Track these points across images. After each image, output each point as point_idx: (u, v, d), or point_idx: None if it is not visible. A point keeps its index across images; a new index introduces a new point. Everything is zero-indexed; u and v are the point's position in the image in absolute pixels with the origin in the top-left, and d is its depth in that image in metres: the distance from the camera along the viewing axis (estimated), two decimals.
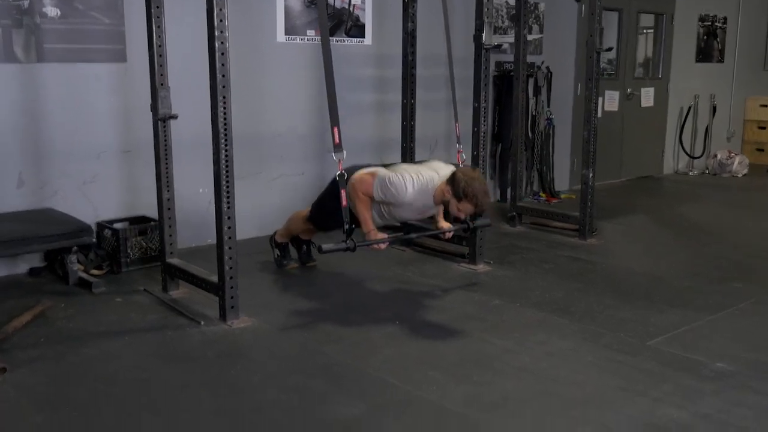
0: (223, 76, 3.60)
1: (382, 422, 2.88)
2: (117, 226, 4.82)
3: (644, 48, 8.94)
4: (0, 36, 4.40)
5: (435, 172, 4.17)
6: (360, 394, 3.08)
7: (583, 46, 5.53)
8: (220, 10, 3.53)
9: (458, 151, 4.49)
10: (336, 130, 3.70)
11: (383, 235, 4.14)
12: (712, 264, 5.18)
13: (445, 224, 4.43)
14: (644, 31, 8.93)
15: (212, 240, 3.94)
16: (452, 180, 4.03)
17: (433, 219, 4.48)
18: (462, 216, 4.18)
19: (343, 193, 3.76)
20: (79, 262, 4.56)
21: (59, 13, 4.59)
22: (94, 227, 4.74)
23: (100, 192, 4.94)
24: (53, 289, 4.39)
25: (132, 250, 4.78)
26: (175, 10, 4.76)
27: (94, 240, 4.55)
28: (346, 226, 3.77)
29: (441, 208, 4.40)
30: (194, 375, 3.27)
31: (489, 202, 4.12)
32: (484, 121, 4.80)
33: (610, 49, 5.64)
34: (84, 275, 4.50)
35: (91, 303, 4.18)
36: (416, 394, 3.08)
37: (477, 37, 4.67)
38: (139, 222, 4.95)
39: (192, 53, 4.57)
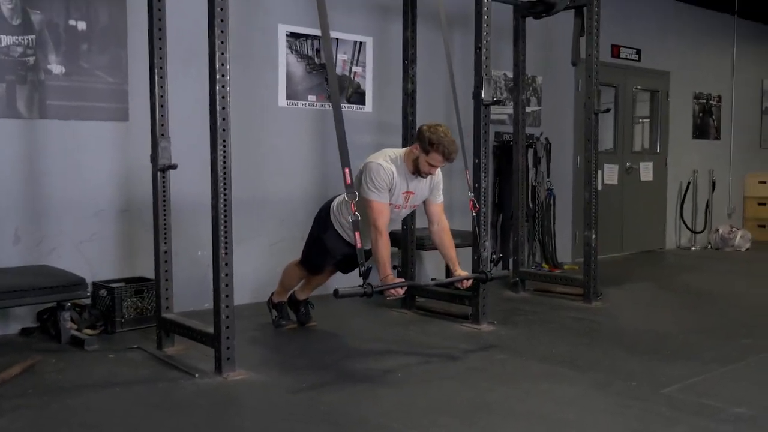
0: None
1: None
2: (113, 285, 4.72)
3: (641, 131, 9.09)
4: (4, 91, 4.45)
5: (391, 149, 4.34)
6: None
7: (581, 120, 5.57)
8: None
9: (470, 200, 4.46)
10: (348, 170, 3.68)
11: (400, 280, 4.05)
12: (718, 323, 5.07)
13: (462, 272, 4.35)
14: (640, 120, 9.09)
15: (210, 304, 3.82)
16: (418, 134, 4.13)
17: (450, 266, 4.44)
18: (433, 171, 4.19)
19: (357, 235, 3.67)
20: (72, 320, 4.46)
21: (64, 70, 4.65)
22: (90, 287, 4.65)
23: (97, 251, 4.87)
24: (45, 347, 4.26)
25: (127, 310, 4.67)
26: (179, 70, 4.83)
27: (89, 293, 4.45)
28: (362, 269, 3.65)
29: (454, 255, 4.33)
30: (183, 421, 3.12)
31: (456, 151, 4.12)
32: (485, 177, 4.78)
33: (608, 111, 5.69)
34: (77, 333, 4.38)
35: (82, 359, 4.04)
36: None
37: (476, 94, 4.71)
38: (136, 283, 4.86)
39: (195, 118, 4.60)
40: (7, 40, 4.45)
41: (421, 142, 4.09)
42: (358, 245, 3.64)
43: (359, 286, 3.62)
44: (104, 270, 4.90)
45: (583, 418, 3.14)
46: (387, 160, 4.19)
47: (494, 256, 4.47)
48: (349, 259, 4.12)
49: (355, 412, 3.22)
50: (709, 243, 9.40)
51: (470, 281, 4.35)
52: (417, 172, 4.19)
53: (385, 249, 4.04)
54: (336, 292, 3.60)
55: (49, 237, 4.69)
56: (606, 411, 3.25)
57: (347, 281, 4.41)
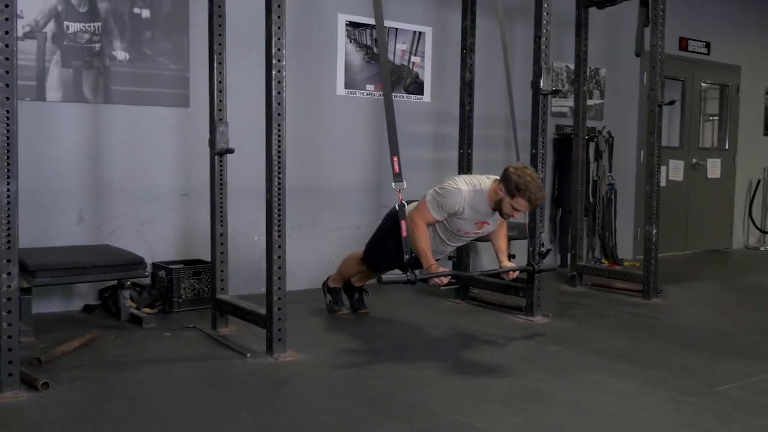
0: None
1: None
2: (171, 266, 4.83)
3: (709, 126, 8.82)
4: (71, 76, 4.59)
5: (485, 177, 4.17)
6: (405, 420, 2.93)
7: (646, 114, 5.43)
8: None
9: None
10: (396, 159, 3.68)
11: (445, 269, 4.03)
12: None
13: (509, 264, 4.31)
14: (710, 118, 8.83)
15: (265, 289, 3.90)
16: (504, 176, 3.99)
17: (497, 256, 4.40)
18: (516, 215, 4.09)
19: (403, 224, 3.69)
20: (131, 299, 4.58)
21: (128, 57, 4.78)
22: (149, 268, 4.77)
23: (157, 233, 4.99)
24: (105, 323, 4.39)
25: (185, 291, 4.77)
26: (240, 56, 4.91)
27: (148, 273, 4.56)
28: (407, 257, 3.67)
29: (504, 245, 4.29)
30: (233, 397, 3.17)
31: (543, 198, 4.03)
32: (542, 168, 4.71)
33: (672, 103, 5.53)
34: (136, 312, 4.50)
35: (139, 336, 4.15)
36: (465, 422, 2.91)
37: (535, 83, 4.65)
38: (194, 265, 4.96)
39: (256, 104, 4.66)
40: (74, 27, 4.59)
41: (507, 185, 3.96)
42: (404, 233, 3.65)
43: (403, 273, 3.63)
44: (163, 252, 5.02)
45: (634, 412, 3.07)
46: (470, 189, 4.07)
47: (542, 249, 4.40)
48: (412, 260, 4.08)
49: (401, 396, 3.22)
50: None
51: (516, 273, 4.29)
52: (498, 210, 4.09)
53: (424, 240, 4.04)
54: (379, 278, 3.64)
55: (111, 219, 4.83)
56: (659, 406, 3.16)
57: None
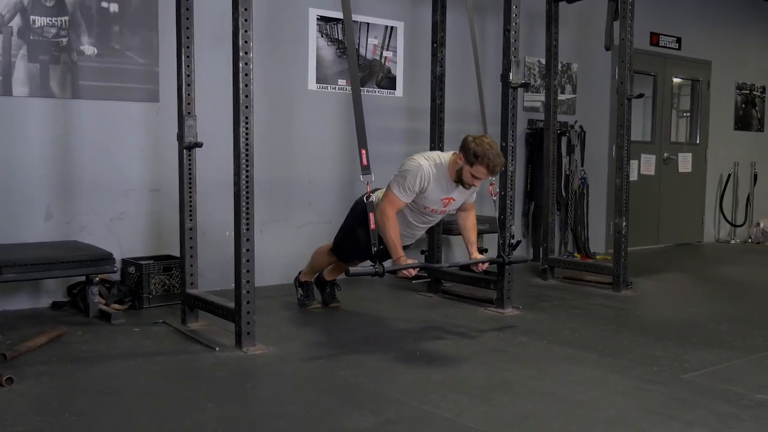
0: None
1: None
2: (141, 262, 4.80)
3: (680, 121, 8.92)
4: (38, 71, 4.54)
5: (443, 152, 4.28)
6: (372, 411, 2.93)
7: (617, 109, 5.48)
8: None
9: (491, 184, 4.41)
10: (364, 152, 3.69)
11: (413, 261, 4.05)
12: (751, 314, 4.94)
13: (479, 256, 4.33)
14: (684, 114, 8.93)
15: None
16: (462, 145, 4.04)
17: (467, 249, 4.43)
18: (476, 183, 4.13)
19: (371, 216, 3.70)
20: (100, 295, 4.55)
21: (96, 51, 4.73)
22: (119, 264, 4.74)
23: (126, 229, 4.96)
24: (73, 320, 4.35)
25: (155, 286, 4.74)
26: (210, 52, 4.89)
27: (117, 269, 4.52)
28: (375, 249, 3.68)
29: (473, 237, 4.33)
30: (201, 390, 3.16)
31: (502, 164, 4.07)
32: (512, 161, 4.74)
33: (641, 96, 5.57)
34: (104, 308, 4.47)
35: (108, 332, 4.12)
36: (433, 412, 2.92)
37: (504, 76, 4.67)
38: (164, 260, 4.93)
39: (226, 99, 4.65)
40: (41, 21, 4.54)
41: (466, 154, 4.01)
42: (372, 226, 3.66)
43: (371, 265, 3.64)
44: (133, 248, 4.98)
45: (600, 400, 3.10)
46: (430, 164, 4.12)
47: (512, 241, 4.44)
48: (381, 252, 4.09)
49: (370, 386, 3.23)
50: (750, 237, 9.20)
51: (486, 265, 4.31)
52: (460, 182, 4.13)
53: (393, 231, 4.06)
54: (347, 271, 3.64)
55: (80, 215, 4.78)
56: (624, 393, 3.20)
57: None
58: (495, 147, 4.03)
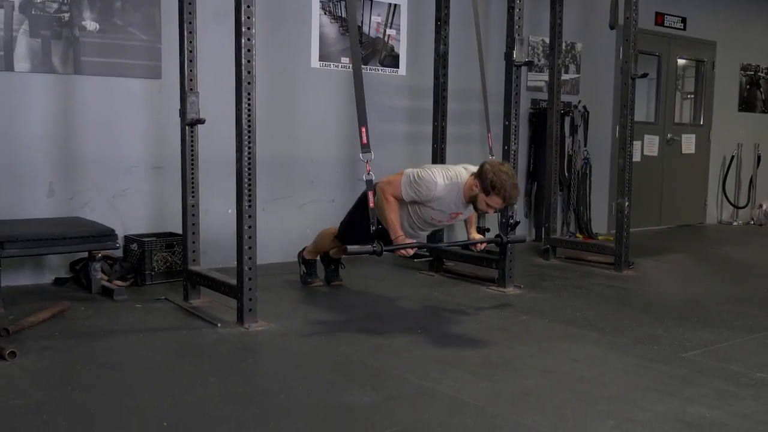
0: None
1: (393, 410, 2.72)
2: (143, 239, 4.80)
3: (684, 102, 8.88)
4: (39, 46, 4.53)
5: (463, 168, 4.14)
6: (374, 386, 2.95)
7: (621, 88, 5.45)
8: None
9: None
10: (364, 129, 3.67)
11: (411, 240, 4.04)
12: (752, 294, 4.95)
13: (477, 236, 4.33)
14: (688, 96, 8.89)
15: None
16: (480, 172, 3.97)
17: (466, 228, 4.41)
18: (491, 211, 4.10)
19: (371, 195, 3.69)
20: (103, 272, 4.56)
21: (98, 27, 4.71)
22: (121, 240, 4.75)
23: (129, 206, 4.96)
24: (76, 296, 4.37)
25: (157, 263, 4.75)
26: (212, 29, 4.87)
27: (119, 246, 4.53)
28: (373, 228, 3.68)
29: (473, 218, 4.33)
30: (203, 365, 3.18)
31: (517, 195, 4.02)
32: (515, 140, 4.73)
33: (645, 75, 5.54)
34: (107, 284, 4.48)
35: (110, 308, 4.14)
36: (434, 388, 2.93)
37: (508, 54, 4.64)
38: (166, 237, 4.94)
39: (230, 76, 4.63)
40: None
41: (482, 182, 3.94)
42: (371, 204, 3.66)
43: (368, 244, 3.64)
44: (136, 225, 4.99)
45: (599, 377, 3.11)
46: (447, 184, 4.05)
47: (512, 221, 4.43)
48: (379, 231, 4.08)
49: (370, 363, 3.24)
50: (752, 219, 9.19)
51: (484, 245, 4.31)
52: (473, 205, 4.09)
53: (393, 212, 4.07)
54: (345, 249, 3.65)
55: (83, 191, 4.78)
56: (624, 371, 3.21)
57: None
58: (513, 177, 3.96)
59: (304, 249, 4.90)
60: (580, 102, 7.26)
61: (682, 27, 8.32)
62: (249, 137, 3.66)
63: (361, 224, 4.24)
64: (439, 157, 5.39)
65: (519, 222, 4.39)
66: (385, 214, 4.04)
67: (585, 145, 7.25)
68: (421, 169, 4.12)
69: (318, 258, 4.88)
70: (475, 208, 4.12)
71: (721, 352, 3.52)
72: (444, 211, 4.17)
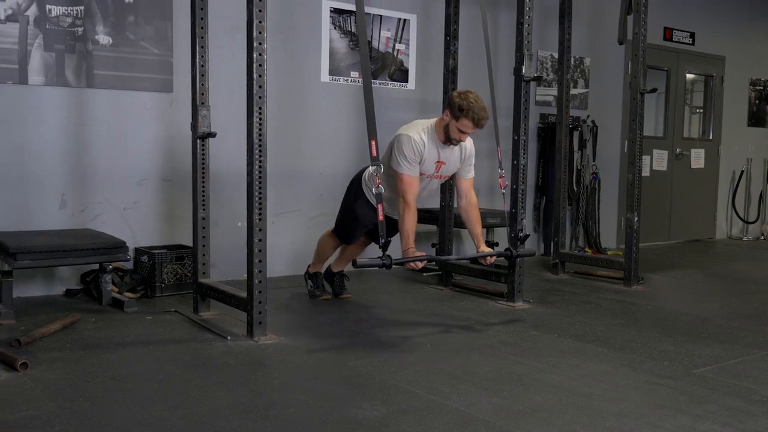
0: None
1: (402, 424, 2.72)
2: (154, 251, 4.83)
3: (693, 117, 8.88)
4: (53, 60, 4.57)
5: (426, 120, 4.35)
6: (383, 400, 2.95)
7: (630, 103, 5.47)
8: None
9: (500, 176, 4.41)
10: (373, 143, 3.70)
11: (421, 253, 4.06)
12: (764, 308, 4.94)
13: (486, 249, 4.34)
14: (697, 110, 8.89)
15: None
16: (448, 101, 4.16)
17: (474, 242, 4.44)
18: (464, 138, 4.21)
19: (380, 207, 3.70)
20: (114, 283, 4.59)
21: (111, 41, 4.76)
22: (132, 252, 4.77)
23: (140, 218, 4.99)
24: (86, 307, 4.40)
25: (167, 275, 4.78)
26: (225, 44, 4.91)
27: (130, 258, 4.55)
28: (382, 241, 3.69)
29: (480, 231, 4.34)
30: (212, 377, 3.19)
31: (487, 117, 4.12)
32: (524, 155, 4.74)
33: (654, 90, 5.55)
34: (117, 296, 4.50)
35: (121, 319, 4.16)
36: (443, 403, 2.93)
37: (517, 69, 4.66)
38: (176, 250, 4.96)
39: (241, 90, 4.67)
40: (57, 10, 4.57)
41: (452, 109, 4.12)
42: (381, 217, 3.67)
43: (378, 257, 3.65)
44: (146, 237, 5.02)
45: (609, 393, 3.11)
46: (418, 131, 4.22)
47: (521, 235, 4.44)
48: (373, 237, 4.14)
49: (379, 377, 3.25)
50: (762, 234, 9.16)
51: (494, 258, 4.32)
52: (448, 140, 4.22)
53: (411, 222, 4.08)
54: (354, 262, 3.66)
55: (94, 203, 4.82)
56: (634, 387, 3.20)
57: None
58: (480, 101, 4.10)
59: (309, 266, 4.93)
60: (588, 117, 7.28)
61: (690, 42, 8.34)
62: (260, 151, 3.68)
63: (356, 212, 4.48)
64: None
65: (528, 235, 4.40)
66: (403, 223, 4.09)
67: (594, 160, 7.26)
68: (393, 148, 4.21)
69: (323, 274, 4.90)
70: (450, 140, 4.20)
71: (732, 369, 3.51)
72: (430, 163, 4.26)
